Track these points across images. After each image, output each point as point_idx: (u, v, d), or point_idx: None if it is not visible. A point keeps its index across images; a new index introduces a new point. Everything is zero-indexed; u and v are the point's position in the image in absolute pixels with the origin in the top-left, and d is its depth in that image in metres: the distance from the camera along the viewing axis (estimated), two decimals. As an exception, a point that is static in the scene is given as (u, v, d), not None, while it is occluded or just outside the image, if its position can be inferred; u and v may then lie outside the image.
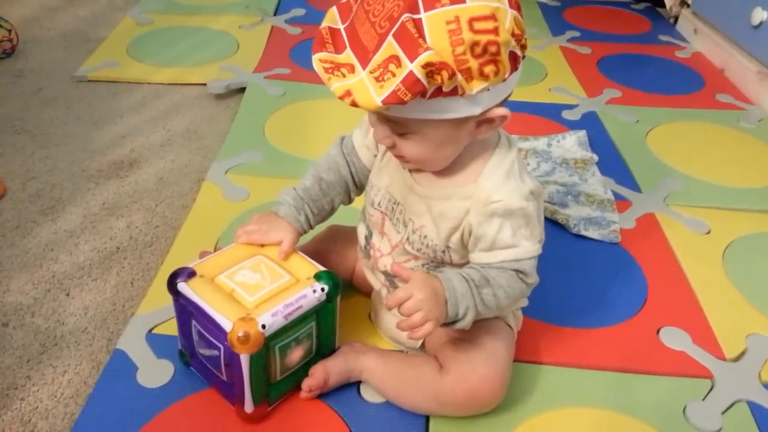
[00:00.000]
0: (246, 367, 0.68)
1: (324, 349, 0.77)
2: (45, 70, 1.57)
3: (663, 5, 2.07)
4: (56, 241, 1.04)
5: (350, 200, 0.83)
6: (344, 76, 0.58)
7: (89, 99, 1.46)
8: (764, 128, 1.47)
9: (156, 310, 0.88)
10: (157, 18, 1.85)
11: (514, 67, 0.61)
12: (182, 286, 0.72)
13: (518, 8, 0.60)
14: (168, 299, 0.87)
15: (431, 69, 0.55)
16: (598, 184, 1.21)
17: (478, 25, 0.56)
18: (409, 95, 0.55)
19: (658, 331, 0.91)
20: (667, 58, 1.81)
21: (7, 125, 1.34)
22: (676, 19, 2.01)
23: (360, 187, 0.82)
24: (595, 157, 1.28)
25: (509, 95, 0.65)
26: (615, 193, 1.19)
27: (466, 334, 0.75)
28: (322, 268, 0.75)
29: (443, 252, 0.72)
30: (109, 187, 1.18)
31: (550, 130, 1.38)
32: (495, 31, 0.57)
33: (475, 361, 0.73)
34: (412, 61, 0.54)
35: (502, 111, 0.63)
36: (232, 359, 0.68)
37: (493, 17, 0.56)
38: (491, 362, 0.73)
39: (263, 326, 0.67)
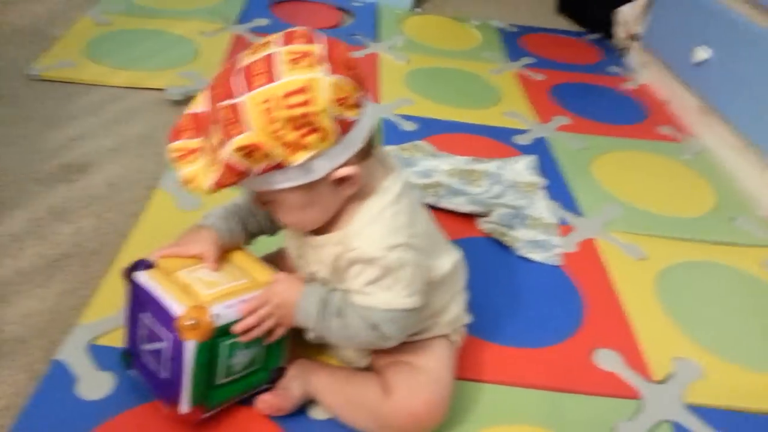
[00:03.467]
0: (191, 357, 0.67)
1: (271, 363, 0.77)
2: (-4, 67, 1.54)
3: (614, 37, 2.16)
4: (-1, 245, 1.03)
5: (274, 230, 0.83)
6: (194, 161, 0.63)
7: (42, 99, 1.44)
8: (702, 161, 1.54)
9: (99, 320, 0.87)
10: (117, 19, 1.82)
11: (346, 129, 0.63)
12: (138, 274, 0.72)
13: (347, 69, 0.62)
14: (112, 309, 0.88)
15: (246, 151, 0.59)
16: (544, 209, 1.25)
17: (292, 100, 0.59)
18: (234, 178, 0.60)
19: (591, 353, 0.96)
20: (615, 89, 1.89)
21: (-46, 122, 1.31)
22: (626, 51, 2.10)
23: None
24: (544, 182, 1.33)
25: (364, 149, 0.66)
26: (560, 218, 1.24)
27: (410, 357, 0.77)
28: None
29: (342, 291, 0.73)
30: (57, 191, 1.16)
31: (501, 154, 1.42)
32: (307, 102, 0.59)
33: (419, 386, 0.75)
34: (227, 146, 0.59)
35: (349, 170, 0.65)
36: (177, 351, 0.67)
37: (304, 89, 0.59)
38: (435, 387, 0.75)
39: (217, 315, 0.67)
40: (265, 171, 0.61)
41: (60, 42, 1.67)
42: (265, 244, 0.86)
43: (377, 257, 0.67)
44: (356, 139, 0.65)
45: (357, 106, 0.63)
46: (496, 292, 1.04)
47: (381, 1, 2.17)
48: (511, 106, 1.67)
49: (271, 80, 0.59)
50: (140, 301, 0.72)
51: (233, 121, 0.59)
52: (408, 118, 1.52)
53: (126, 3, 1.94)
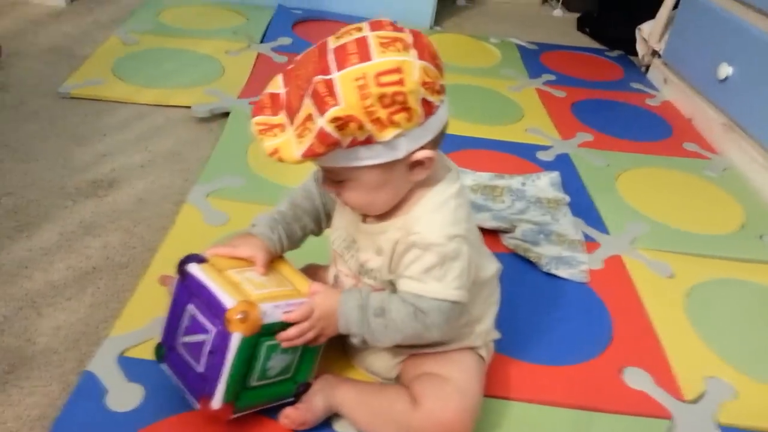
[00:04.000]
0: (234, 350, 0.68)
1: (300, 376, 0.78)
2: (28, 85, 1.57)
3: (636, 54, 2.16)
4: (30, 259, 1.04)
5: (320, 230, 0.87)
6: (275, 135, 0.65)
7: (71, 116, 1.47)
8: (727, 178, 1.53)
9: (129, 333, 0.88)
10: (144, 38, 1.86)
11: (430, 112, 0.66)
12: (192, 266, 0.74)
13: (432, 58, 0.66)
14: (141, 322, 0.89)
15: (340, 122, 0.62)
16: (569, 225, 1.25)
17: (383, 79, 0.62)
18: (324, 148, 0.62)
19: (621, 371, 0.94)
20: (638, 105, 1.88)
21: (-13, 139, 1.34)
22: (648, 68, 2.10)
23: (330, 219, 0.85)
24: (567, 198, 1.32)
25: (436, 138, 0.70)
26: (584, 234, 1.23)
27: (440, 368, 0.77)
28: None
29: (390, 282, 0.76)
30: (87, 206, 1.18)
31: (524, 170, 1.42)
32: (400, 82, 0.63)
33: (448, 396, 0.75)
34: (321, 117, 0.61)
35: (426, 153, 0.68)
36: (221, 343, 0.68)
37: (398, 70, 0.63)
38: (464, 398, 0.75)
39: (263, 313, 0.69)
40: (352, 145, 0.64)
41: (89, 61, 1.70)
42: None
43: (436, 243, 0.69)
44: (435, 125, 0.68)
45: (440, 92, 0.67)
46: (522, 309, 1.03)
47: (400, 21, 2.18)
48: (533, 123, 1.67)
49: (364, 60, 0.63)
50: (190, 292, 0.73)
51: (327, 95, 0.61)
52: (430, 134, 1.52)
53: (152, 22, 1.99)
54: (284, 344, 0.72)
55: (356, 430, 0.79)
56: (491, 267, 0.82)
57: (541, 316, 1.03)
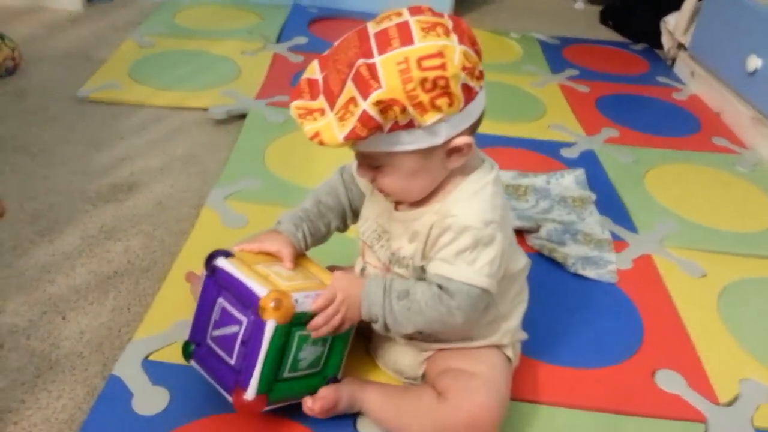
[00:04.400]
0: (268, 338, 0.68)
1: (329, 370, 0.78)
2: (47, 90, 1.58)
3: (661, 47, 2.12)
4: (53, 263, 1.04)
5: (345, 227, 0.86)
6: (315, 119, 0.65)
7: (90, 120, 1.47)
8: (759, 173, 1.49)
9: (152, 336, 0.88)
10: (160, 41, 1.86)
11: (470, 98, 0.66)
12: (221, 261, 0.74)
13: (471, 44, 0.66)
14: (165, 325, 0.88)
15: (383, 105, 0.62)
16: (595, 224, 1.22)
17: (426, 63, 0.62)
18: (366, 131, 0.62)
19: (653, 374, 0.92)
20: (665, 100, 1.84)
21: (7, 144, 1.35)
22: (674, 61, 2.06)
23: (356, 215, 0.85)
24: (593, 196, 1.29)
25: (474, 124, 0.70)
26: (612, 233, 1.20)
27: (466, 364, 0.77)
28: None
29: (422, 270, 0.75)
30: (107, 210, 1.18)
31: (548, 167, 1.39)
32: (442, 66, 0.62)
33: (474, 390, 0.74)
34: (365, 100, 0.61)
35: (465, 139, 0.68)
36: (254, 333, 0.68)
37: (440, 54, 0.62)
38: (490, 392, 0.74)
39: (295, 301, 0.69)
40: (393, 129, 0.64)
41: (106, 65, 1.71)
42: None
43: (472, 227, 0.69)
44: (474, 111, 0.68)
45: (479, 78, 0.66)
46: (550, 310, 1.01)
47: (419, 17, 2.17)
48: (557, 119, 1.64)
49: (405, 44, 0.63)
50: (219, 285, 0.73)
51: (370, 78, 0.62)
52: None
53: (168, 25, 1.99)
54: (313, 334, 0.72)
55: (382, 430, 0.78)
56: (521, 260, 0.81)
57: (569, 317, 1.01)
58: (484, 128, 1.53)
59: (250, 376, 0.69)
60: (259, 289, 0.69)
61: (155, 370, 0.83)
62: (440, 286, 0.70)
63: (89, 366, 0.86)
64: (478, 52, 0.66)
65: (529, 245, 1.16)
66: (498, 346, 0.80)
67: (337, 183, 0.84)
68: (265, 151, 1.35)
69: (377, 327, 0.74)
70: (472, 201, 0.71)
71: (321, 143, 0.64)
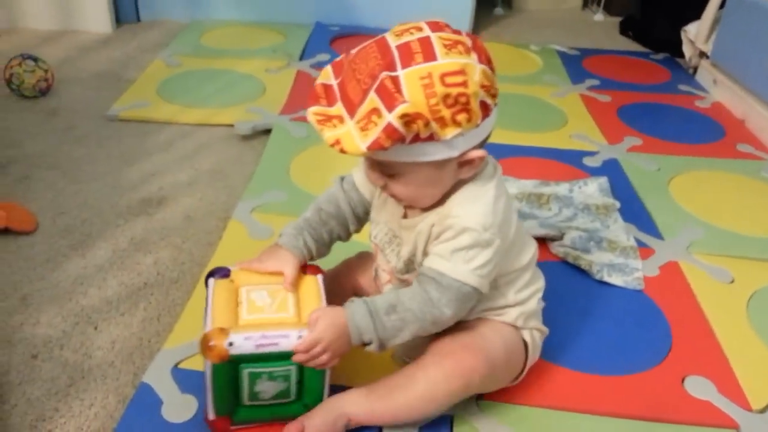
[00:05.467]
0: (209, 373, 0.71)
1: (308, 398, 0.77)
2: (78, 109, 1.62)
3: (682, 56, 2.11)
4: (85, 276, 1.06)
5: (348, 233, 0.87)
6: (335, 126, 0.66)
7: (119, 137, 1.51)
8: (785, 178, 1.47)
9: (182, 345, 0.89)
10: (186, 60, 1.91)
11: (486, 114, 0.68)
12: (210, 281, 0.78)
13: (488, 62, 0.68)
14: (194, 334, 0.89)
15: (407, 119, 0.62)
16: (620, 231, 1.21)
17: (449, 80, 0.64)
18: (390, 142, 0.63)
19: (683, 380, 0.91)
20: (687, 108, 1.83)
21: (40, 161, 1.39)
22: (696, 69, 2.04)
23: (359, 221, 0.86)
24: (617, 204, 1.29)
25: (486, 138, 0.72)
26: (637, 240, 1.19)
27: (462, 326, 0.79)
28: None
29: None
30: (137, 224, 1.20)
31: (571, 176, 1.39)
32: (464, 84, 0.64)
33: (459, 337, 0.77)
34: (390, 113, 0.62)
35: (479, 152, 0.70)
36: (205, 363, 0.71)
37: (462, 72, 0.64)
38: (478, 338, 0.77)
39: (230, 343, 0.69)
40: (414, 141, 0.65)
41: (135, 84, 1.76)
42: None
43: (472, 229, 0.70)
44: (488, 126, 0.70)
45: (495, 95, 0.69)
46: (578, 318, 1.01)
47: (439, 32, 2.19)
48: (579, 129, 1.64)
49: (429, 59, 0.64)
50: (206, 305, 0.76)
51: (395, 91, 0.63)
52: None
53: (194, 45, 2.04)
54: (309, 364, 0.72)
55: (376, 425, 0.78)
56: (530, 250, 0.82)
57: (596, 325, 1.00)
58: (505, 138, 1.54)
59: (206, 399, 0.73)
60: (208, 324, 0.71)
61: (184, 378, 0.84)
62: (433, 279, 0.71)
63: (120, 375, 0.88)
64: (493, 71, 0.69)
65: (553, 253, 1.15)
66: (514, 327, 0.81)
67: (337, 192, 0.85)
68: (290, 165, 1.37)
69: (372, 348, 0.73)
70: (474, 204, 0.72)
71: (342, 151, 0.64)
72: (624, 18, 2.51)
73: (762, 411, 0.87)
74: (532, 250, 0.82)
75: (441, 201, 0.74)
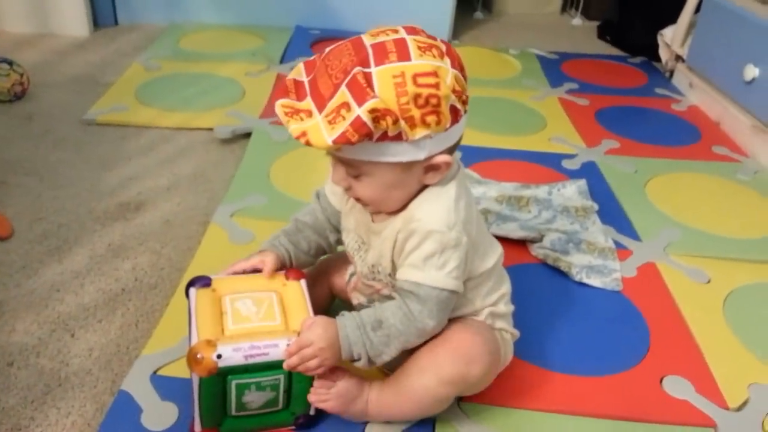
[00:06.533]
0: (196, 386, 0.70)
1: (297, 407, 0.77)
2: (54, 113, 1.60)
3: (659, 59, 2.14)
4: (62, 282, 1.05)
5: (329, 243, 0.88)
6: (302, 120, 0.65)
7: (97, 142, 1.49)
8: (760, 180, 1.50)
9: (161, 351, 0.88)
10: (165, 64, 1.89)
11: (455, 120, 0.68)
12: (192, 291, 0.77)
13: (461, 69, 0.68)
14: (173, 341, 0.89)
15: (377, 114, 0.62)
16: (598, 233, 1.22)
17: (421, 80, 0.64)
18: (357, 136, 0.63)
19: (661, 380, 0.92)
20: (664, 111, 1.86)
21: (17, 167, 1.37)
22: (672, 73, 2.08)
23: (338, 231, 0.87)
24: (596, 206, 1.30)
25: (454, 146, 0.72)
26: (615, 242, 1.21)
27: (453, 322, 0.79)
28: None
29: (390, 275, 0.76)
30: (115, 229, 1.19)
31: (550, 179, 1.40)
32: (436, 86, 0.65)
33: (459, 326, 0.78)
34: (360, 107, 0.62)
35: (445, 158, 0.70)
36: (192, 375, 0.70)
37: (435, 74, 0.65)
38: (471, 327, 0.78)
39: (218, 356, 0.68)
40: (382, 139, 0.65)
41: (113, 88, 1.74)
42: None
43: (436, 231, 0.70)
44: (456, 133, 0.70)
45: (465, 102, 0.69)
46: (557, 319, 1.01)
47: (420, 36, 2.20)
48: (557, 132, 1.66)
49: (403, 59, 0.64)
50: (189, 315, 0.76)
51: (366, 86, 0.63)
52: (453, 147, 1.52)
53: (173, 49, 2.02)
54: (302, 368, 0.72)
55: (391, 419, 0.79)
56: (494, 254, 0.81)
57: (575, 326, 1.01)
58: (485, 141, 1.55)
59: (194, 411, 0.73)
60: (194, 337, 0.71)
61: (164, 385, 0.83)
62: (411, 292, 0.71)
63: (98, 382, 0.87)
64: (465, 78, 0.69)
65: (533, 254, 1.16)
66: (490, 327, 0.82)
67: (314, 204, 0.87)
68: (270, 169, 1.37)
69: (361, 364, 0.73)
70: (435, 204, 0.72)
71: (308, 143, 0.64)
72: (602, 22, 2.55)
73: (738, 409, 0.88)
74: (497, 254, 0.82)
75: (405, 206, 0.74)
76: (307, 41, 2.13)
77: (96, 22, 2.19)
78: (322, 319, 0.73)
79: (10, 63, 1.62)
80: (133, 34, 2.16)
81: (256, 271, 0.81)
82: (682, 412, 0.87)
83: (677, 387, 0.91)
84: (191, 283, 0.78)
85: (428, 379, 0.75)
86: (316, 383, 0.75)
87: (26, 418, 0.81)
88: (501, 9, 2.77)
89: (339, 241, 0.87)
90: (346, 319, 0.73)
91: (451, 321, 0.78)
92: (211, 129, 1.55)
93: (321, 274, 0.92)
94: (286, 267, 0.83)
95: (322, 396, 0.75)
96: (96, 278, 1.06)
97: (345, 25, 2.23)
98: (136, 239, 1.16)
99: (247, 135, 1.52)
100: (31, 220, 1.19)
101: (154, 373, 0.85)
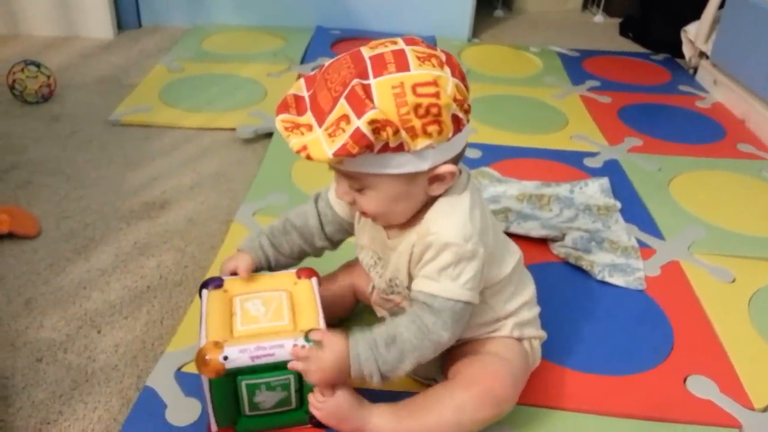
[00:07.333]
0: (206, 387, 0.71)
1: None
2: (80, 114, 1.63)
3: (682, 56, 2.11)
4: (89, 279, 1.07)
5: (314, 248, 0.87)
6: (302, 134, 0.65)
7: (122, 142, 1.52)
8: (787, 178, 1.47)
9: (185, 348, 0.90)
10: (188, 65, 1.92)
11: (458, 129, 0.68)
12: (204, 293, 0.79)
13: (462, 78, 0.68)
14: (197, 338, 0.90)
15: (376, 125, 0.62)
16: (621, 231, 1.21)
17: (420, 90, 0.64)
18: (357, 148, 0.62)
19: (684, 380, 0.91)
20: (688, 108, 1.83)
21: (43, 167, 1.39)
22: (696, 69, 2.05)
23: (329, 239, 0.86)
24: (618, 204, 1.29)
25: (459, 155, 0.71)
26: (639, 241, 1.20)
27: (478, 347, 0.79)
28: (322, 328, 0.74)
29: (408, 288, 0.75)
30: (140, 228, 1.21)
31: (572, 177, 1.39)
32: (436, 95, 0.64)
33: (486, 362, 0.77)
34: (359, 119, 0.62)
35: (450, 168, 0.69)
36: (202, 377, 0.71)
37: (434, 83, 0.64)
38: (502, 363, 0.77)
39: (225, 357, 0.69)
40: (383, 151, 0.64)
41: (137, 89, 1.76)
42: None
43: (453, 243, 0.69)
44: (459, 142, 0.70)
45: (467, 111, 0.68)
46: (579, 319, 1.01)
47: (438, 34, 2.19)
48: (579, 129, 1.64)
49: (402, 70, 0.64)
50: (200, 317, 0.77)
51: (365, 98, 0.62)
52: (471, 145, 1.50)
53: (196, 50, 2.04)
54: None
55: None
56: (512, 259, 0.80)
57: (598, 325, 1.00)
58: (506, 140, 1.54)
59: (209, 412, 0.74)
60: (203, 338, 0.72)
61: (188, 382, 0.84)
62: (425, 303, 0.70)
63: (124, 378, 0.88)
64: (467, 87, 0.68)
65: (555, 254, 1.16)
66: (516, 340, 0.81)
67: (308, 207, 0.86)
68: (291, 168, 1.38)
69: (374, 382, 0.72)
70: (450, 218, 0.71)
71: (308, 157, 0.64)
72: (623, 19, 2.52)
73: (764, 410, 0.87)
74: (515, 259, 0.81)
75: (417, 219, 0.73)
76: (328, 41, 2.14)
77: (120, 25, 2.22)
78: (330, 338, 0.72)
79: (38, 65, 1.65)
80: (157, 36, 2.19)
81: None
82: (706, 412, 0.86)
83: (701, 387, 0.90)
84: (204, 285, 0.79)
85: (458, 416, 0.74)
86: (315, 390, 0.75)
87: (55, 412, 0.83)
88: (521, 7, 2.75)
89: (330, 248, 0.87)
90: (357, 337, 0.72)
91: (476, 344, 0.78)
92: (233, 129, 1.56)
93: (345, 276, 0.92)
94: (262, 268, 0.84)
95: (314, 404, 0.75)
96: (122, 276, 1.08)
97: (365, 25, 2.24)
98: (160, 237, 1.18)
99: (269, 135, 1.54)
100: (58, 219, 1.22)
101: (179, 369, 0.87)
